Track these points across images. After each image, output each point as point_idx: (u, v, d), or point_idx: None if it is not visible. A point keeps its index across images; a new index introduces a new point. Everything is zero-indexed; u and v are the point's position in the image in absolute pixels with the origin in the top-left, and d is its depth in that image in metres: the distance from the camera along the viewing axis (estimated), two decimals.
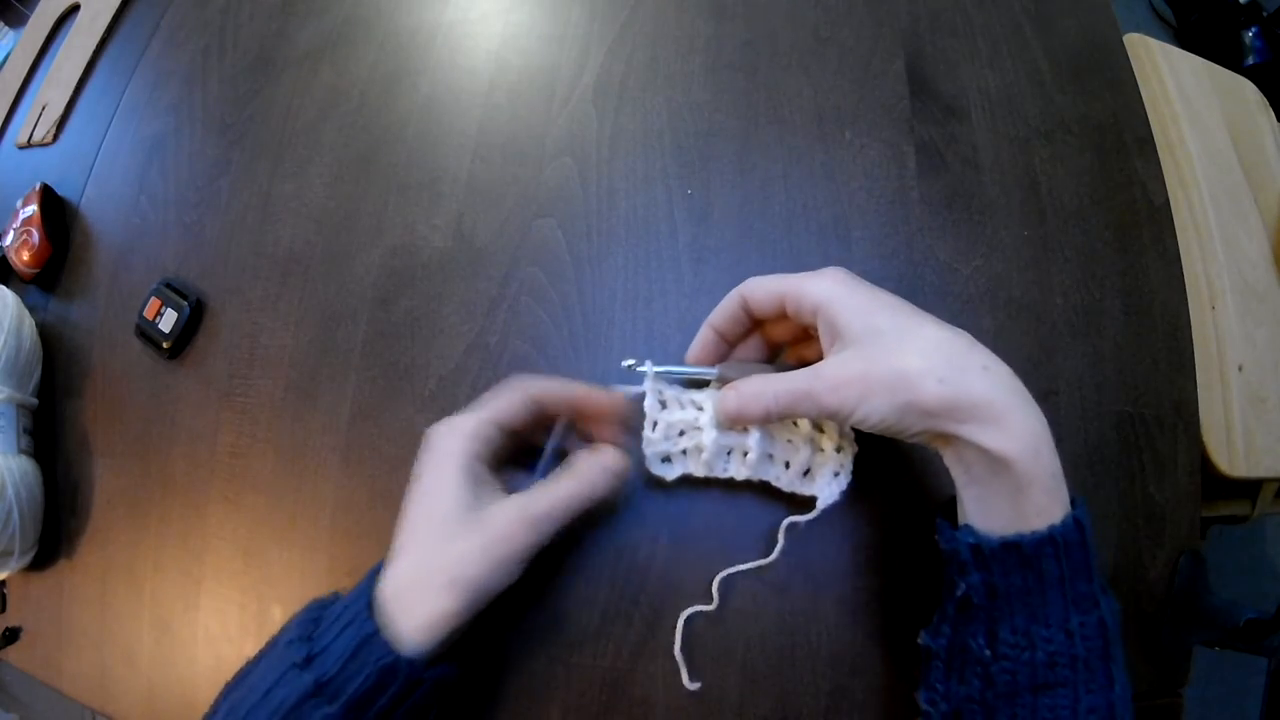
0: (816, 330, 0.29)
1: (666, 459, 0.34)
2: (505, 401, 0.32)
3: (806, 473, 0.34)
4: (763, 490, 0.35)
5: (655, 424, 0.33)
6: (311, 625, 0.29)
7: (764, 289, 0.31)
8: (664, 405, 0.34)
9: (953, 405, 0.25)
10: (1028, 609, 0.25)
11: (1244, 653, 0.39)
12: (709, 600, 0.33)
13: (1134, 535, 0.37)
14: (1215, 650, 0.40)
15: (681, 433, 0.34)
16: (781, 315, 0.31)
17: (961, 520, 0.28)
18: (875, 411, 0.26)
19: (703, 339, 0.34)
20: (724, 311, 0.33)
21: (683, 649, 0.33)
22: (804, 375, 0.28)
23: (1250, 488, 0.55)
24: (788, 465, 0.34)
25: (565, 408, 0.33)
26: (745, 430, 0.33)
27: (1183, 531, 0.37)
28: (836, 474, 0.33)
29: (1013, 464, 0.25)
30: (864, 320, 0.27)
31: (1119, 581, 0.36)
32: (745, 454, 0.33)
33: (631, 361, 0.33)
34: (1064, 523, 0.25)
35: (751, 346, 0.34)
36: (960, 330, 0.28)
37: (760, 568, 0.33)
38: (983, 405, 0.25)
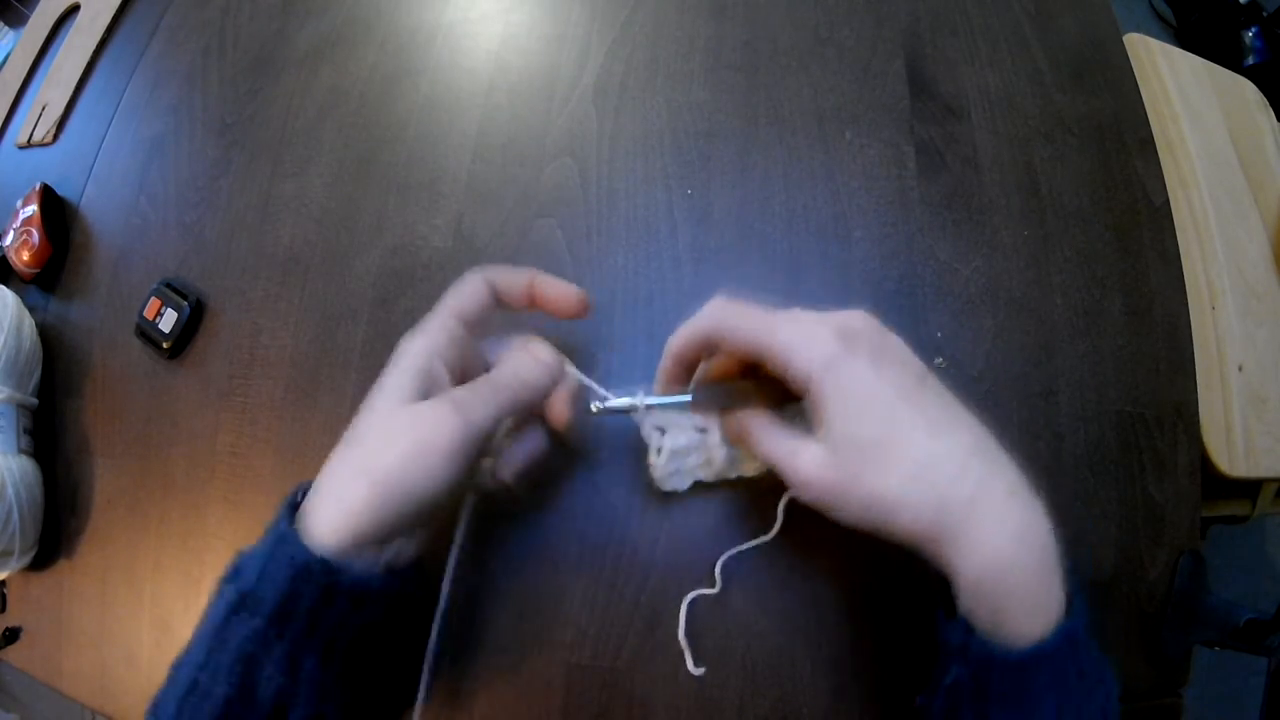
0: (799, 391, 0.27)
1: (674, 473, 0.34)
2: (464, 292, 0.31)
3: None
4: (762, 489, 0.35)
5: (660, 450, 0.33)
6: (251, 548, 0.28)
7: (740, 337, 0.28)
8: (663, 431, 0.33)
9: (927, 537, 0.24)
10: (1019, 709, 0.24)
11: (1244, 653, 0.39)
12: (704, 602, 0.33)
13: (1134, 535, 0.37)
14: (1215, 650, 0.39)
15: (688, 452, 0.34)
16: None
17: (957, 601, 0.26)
18: (848, 519, 0.25)
19: (667, 372, 0.32)
20: (689, 344, 0.30)
21: (686, 636, 0.33)
22: (784, 454, 0.27)
23: (1250, 488, 0.55)
24: None
25: (522, 295, 0.32)
26: None
27: (1183, 531, 0.37)
28: None
29: (980, 592, 0.24)
30: (851, 425, 0.25)
31: (1119, 581, 0.36)
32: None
33: (599, 406, 0.32)
34: (1054, 638, 0.23)
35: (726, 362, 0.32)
36: (960, 437, 0.25)
37: (761, 545, 0.33)
38: (960, 537, 0.24)
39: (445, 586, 0.31)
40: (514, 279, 0.32)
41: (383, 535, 0.26)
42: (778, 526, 0.32)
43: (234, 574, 0.27)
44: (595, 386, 0.32)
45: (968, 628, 0.25)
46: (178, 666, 0.27)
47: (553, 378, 0.31)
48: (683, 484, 0.34)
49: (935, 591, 0.27)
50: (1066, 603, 0.24)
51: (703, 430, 0.33)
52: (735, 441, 0.31)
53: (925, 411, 0.25)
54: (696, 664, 0.33)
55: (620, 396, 0.32)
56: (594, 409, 0.32)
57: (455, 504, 0.31)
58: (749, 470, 0.34)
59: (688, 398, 0.31)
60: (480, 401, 0.27)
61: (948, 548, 0.24)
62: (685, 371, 0.32)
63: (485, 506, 0.32)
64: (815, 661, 0.34)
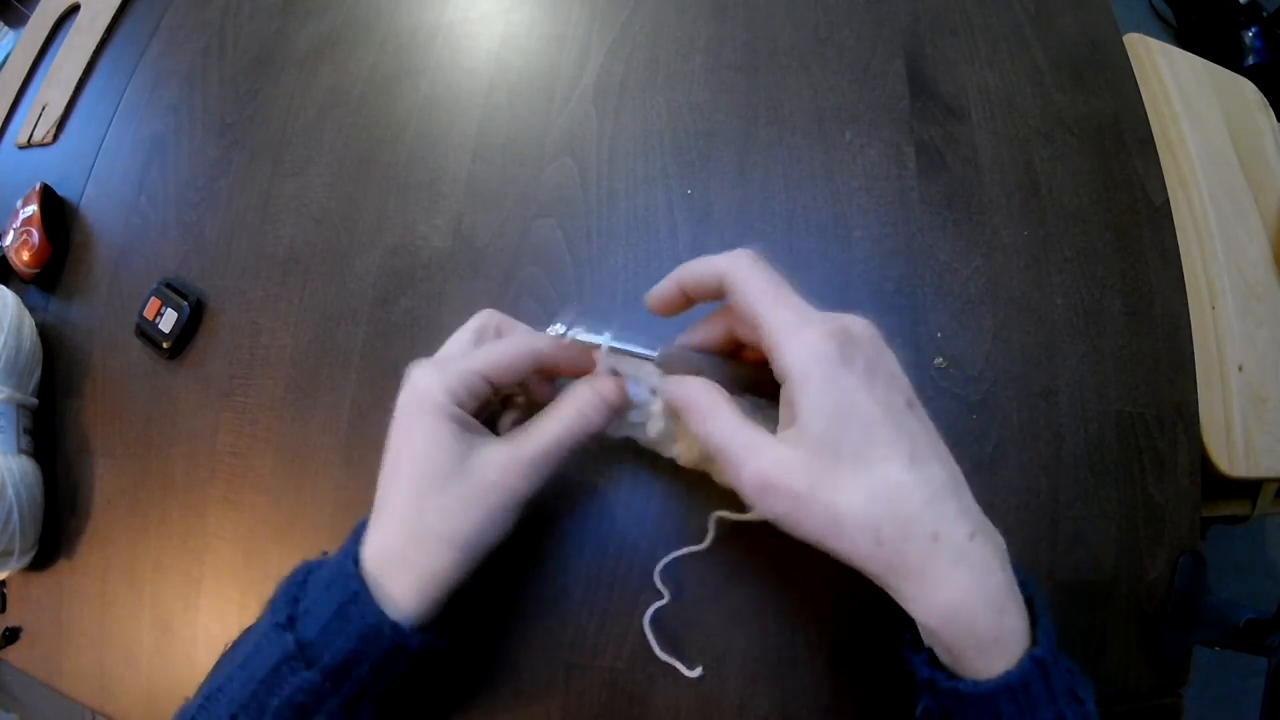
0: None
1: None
2: (503, 360, 0.29)
3: None
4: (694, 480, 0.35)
5: None
6: (298, 587, 0.27)
7: (745, 301, 0.26)
8: (616, 374, 0.32)
9: (884, 568, 0.23)
10: None
11: (1244, 653, 0.39)
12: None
13: (1134, 535, 0.37)
14: (1215, 650, 0.39)
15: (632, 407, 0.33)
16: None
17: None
18: (798, 531, 0.24)
19: (665, 293, 0.30)
20: (699, 278, 0.29)
21: (665, 650, 0.32)
22: (739, 444, 0.25)
23: (1250, 488, 0.55)
24: None
25: (570, 374, 0.31)
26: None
27: (1183, 531, 0.37)
28: None
29: (936, 634, 0.23)
30: (826, 426, 0.23)
31: (1119, 581, 0.36)
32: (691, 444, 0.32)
33: (561, 329, 0.30)
34: (1020, 670, 0.22)
35: (716, 325, 0.31)
36: (935, 470, 0.24)
37: (695, 552, 0.32)
38: (914, 574, 0.23)
39: None
40: (565, 362, 0.30)
41: (456, 589, 0.27)
42: (710, 539, 0.31)
43: (289, 620, 0.26)
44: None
45: (933, 659, 0.25)
46: (211, 697, 0.26)
47: (617, 410, 0.30)
48: (617, 431, 0.33)
49: (900, 620, 0.26)
50: (1032, 628, 0.24)
51: (653, 392, 0.32)
52: (675, 414, 0.29)
53: (906, 436, 0.24)
54: (691, 666, 0.32)
55: (590, 333, 0.31)
56: (556, 332, 0.31)
57: None
58: (679, 455, 0.32)
59: (653, 353, 0.30)
60: (547, 456, 0.28)
61: (903, 582, 0.23)
62: (676, 304, 0.30)
63: None
64: (815, 661, 0.34)
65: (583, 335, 0.31)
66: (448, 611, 0.28)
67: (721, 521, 0.31)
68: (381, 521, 0.27)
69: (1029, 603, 0.24)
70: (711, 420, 0.26)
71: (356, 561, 0.27)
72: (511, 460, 0.27)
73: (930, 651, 0.25)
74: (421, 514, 0.27)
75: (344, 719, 0.26)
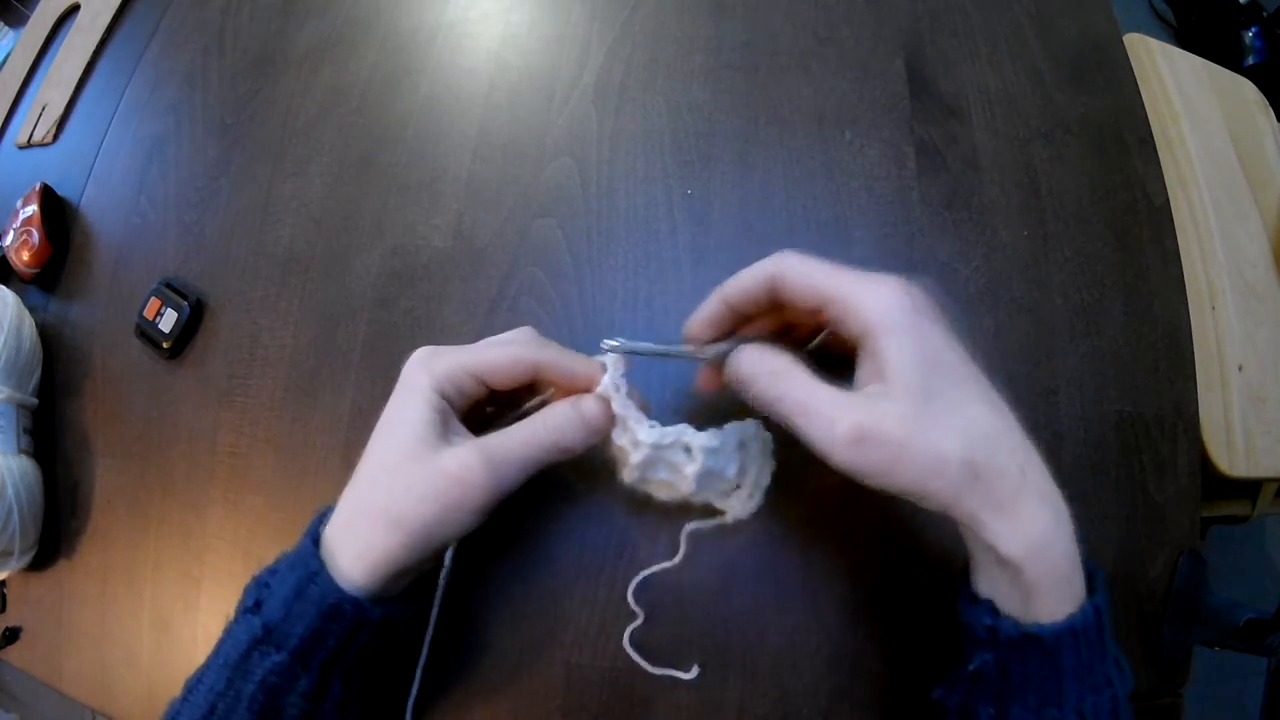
0: (853, 341, 0.26)
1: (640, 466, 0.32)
2: (502, 363, 0.29)
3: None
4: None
5: (633, 437, 0.30)
6: (269, 574, 0.28)
7: (806, 282, 0.26)
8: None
9: (979, 503, 0.23)
10: (1041, 692, 0.24)
11: (1244, 653, 0.39)
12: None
13: (1134, 535, 0.37)
14: (1215, 650, 0.39)
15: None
16: (814, 311, 0.27)
17: (975, 586, 0.26)
18: (896, 484, 0.24)
19: (711, 313, 0.29)
20: (745, 288, 0.28)
21: (656, 663, 0.32)
22: (826, 404, 0.24)
23: (1250, 488, 0.55)
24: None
25: (565, 388, 0.30)
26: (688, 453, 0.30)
27: (1183, 531, 0.37)
28: (751, 495, 0.32)
29: (1021, 568, 0.23)
30: (917, 372, 0.24)
31: (1119, 581, 0.36)
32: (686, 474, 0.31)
33: (615, 343, 0.29)
34: (1083, 614, 0.24)
35: (759, 325, 0.31)
36: (1011, 417, 0.25)
37: (667, 569, 0.32)
38: (1007, 506, 0.23)
39: (441, 581, 0.31)
40: (562, 374, 0.30)
41: (409, 575, 0.28)
42: (682, 554, 0.32)
43: (256, 605, 0.27)
44: (641, 423, 0.30)
45: (994, 611, 0.25)
46: (192, 689, 0.27)
47: (598, 439, 0.29)
48: (639, 483, 0.32)
49: (956, 579, 0.27)
50: (1089, 581, 0.25)
51: (687, 450, 0.30)
52: (739, 384, 0.27)
53: (982, 380, 0.25)
54: (686, 669, 0.33)
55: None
56: (607, 345, 0.29)
57: None
58: (677, 494, 0.32)
59: (689, 349, 0.29)
60: (513, 462, 0.27)
61: (995, 516, 0.23)
62: (723, 323, 0.30)
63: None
64: (815, 661, 0.34)
65: (633, 345, 0.29)
66: (421, 586, 0.29)
67: (694, 535, 0.31)
68: (344, 495, 0.28)
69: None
70: (787, 380, 0.25)
71: (317, 541, 0.27)
72: (474, 458, 0.27)
73: (990, 603, 0.25)
74: (374, 490, 0.27)
75: (316, 696, 0.26)
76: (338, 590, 0.26)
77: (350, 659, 0.27)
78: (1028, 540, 0.23)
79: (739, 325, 0.30)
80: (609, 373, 0.30)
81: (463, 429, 0.29)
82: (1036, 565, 0.23)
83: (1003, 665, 0.24)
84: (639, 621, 0.33)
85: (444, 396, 0.28)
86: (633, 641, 0.33)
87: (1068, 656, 0.24)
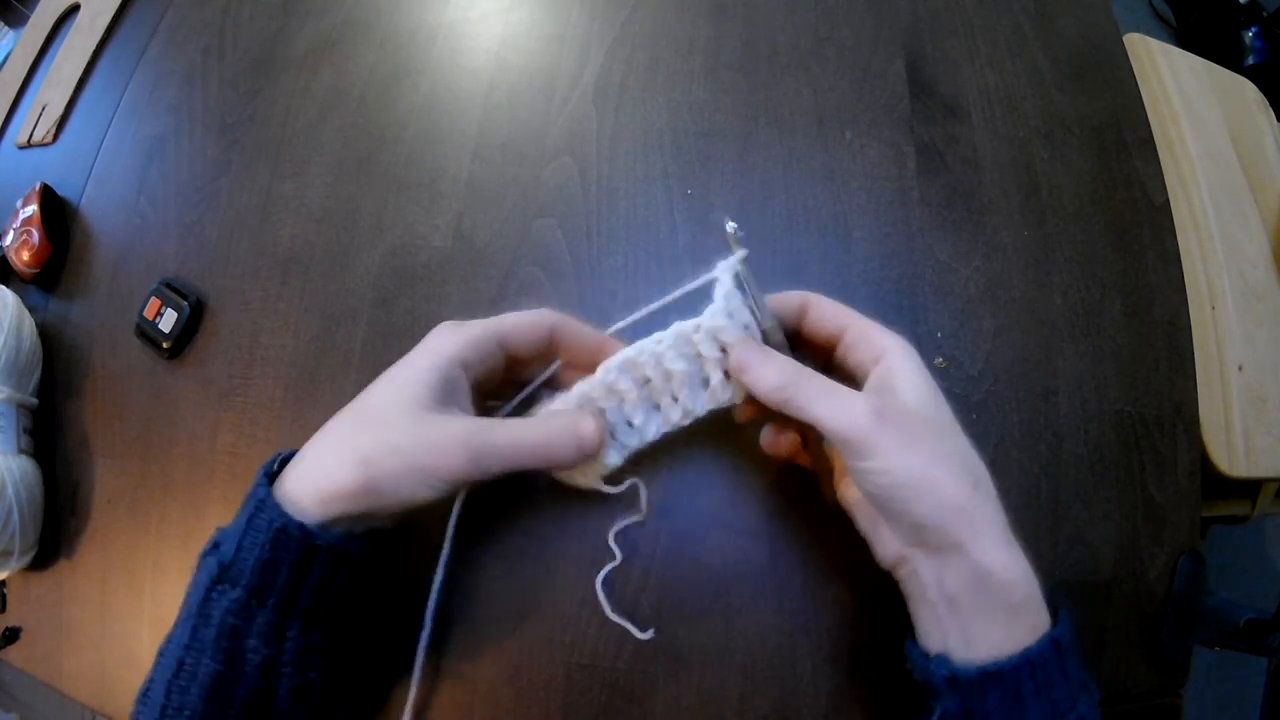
0: (859, 368, 0.29)
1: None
2: (524, 321, 0.30)
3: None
4: (759, 491, 0.35)
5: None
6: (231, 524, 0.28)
7: (834, 310, 0.30)
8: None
9: (968, 517, 0.25)
10: None
11: (1244, 653, 0.39)
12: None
13: (1134, 535, 0.37)
14: (1215, 650, 0.40)
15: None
16: (825, 343, 0.30)
17: (924, 640, 0.27)
18: (883, 485, 0.25)
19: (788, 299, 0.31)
20: (782, 303, 0.31)
21: (616, 611, 0.33)
22: (842, 400, 0.26)
23: (1250, 488, 0.55)
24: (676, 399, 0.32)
25: (584, 358, 0.31)
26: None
27: (1183, 531, 0.37)
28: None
29: (1014, 586, 0.25)
30: (924, 398, 0.27)
31: (1119, 581, 0.36)
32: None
33: (734, 226, 0.28)
34: (1040, 644, 0.24)
35: None
36: (976, 453, 0.27)
37: (639, 522, 0.34)
38: (984, 527, 0.25)
39: (440, 572, 0.32)
40: (583, 342, 0.31)
41: (363, 516, 0.27)
42: (645, 504, 0.34)
43: (212, 547, 0.28)
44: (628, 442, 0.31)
45: (948, 660, 0.25)
46: (163, 651, 0.27)
47: (585, 457, 0.30)
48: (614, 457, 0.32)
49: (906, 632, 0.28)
50: (1052, 615, 0.26)
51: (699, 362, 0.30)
52: (739, 374, 0.29)
53: (956, 422, 0.28)
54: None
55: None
56: (731, 228, 0.28)
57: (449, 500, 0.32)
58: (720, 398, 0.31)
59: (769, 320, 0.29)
60: (496, 455, 0.28)
61: (976, 533, 0.25)
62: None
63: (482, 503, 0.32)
64: (815, 661, 0.34)
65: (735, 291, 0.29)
66: (387, 538, 0.30)
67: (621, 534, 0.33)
68: (324, 427, 0.28)
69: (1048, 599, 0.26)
70: (804, 371, 0.28)
71: (268, 476, 0.28)
72: (460, 436, 0.27)
73: (943, 655, 0.26)
74: (355, 430, 0.28)
75: (275, 637, 0.27)
76: (284, 515, 0.26)
77: (306, 597, 0.27)
78: (1001, 560, 0.25)
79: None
80: (730, 261, 0.29)
81: (468, 404, 0.29)
82: (1000, 586, 0.24)
83: (967, 709, 0.25)
84: (616, 563, 0.34)
85: (464, 365, 0.29)
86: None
87: (1027, 684, 0.24)
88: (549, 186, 0.42)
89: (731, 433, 0.34)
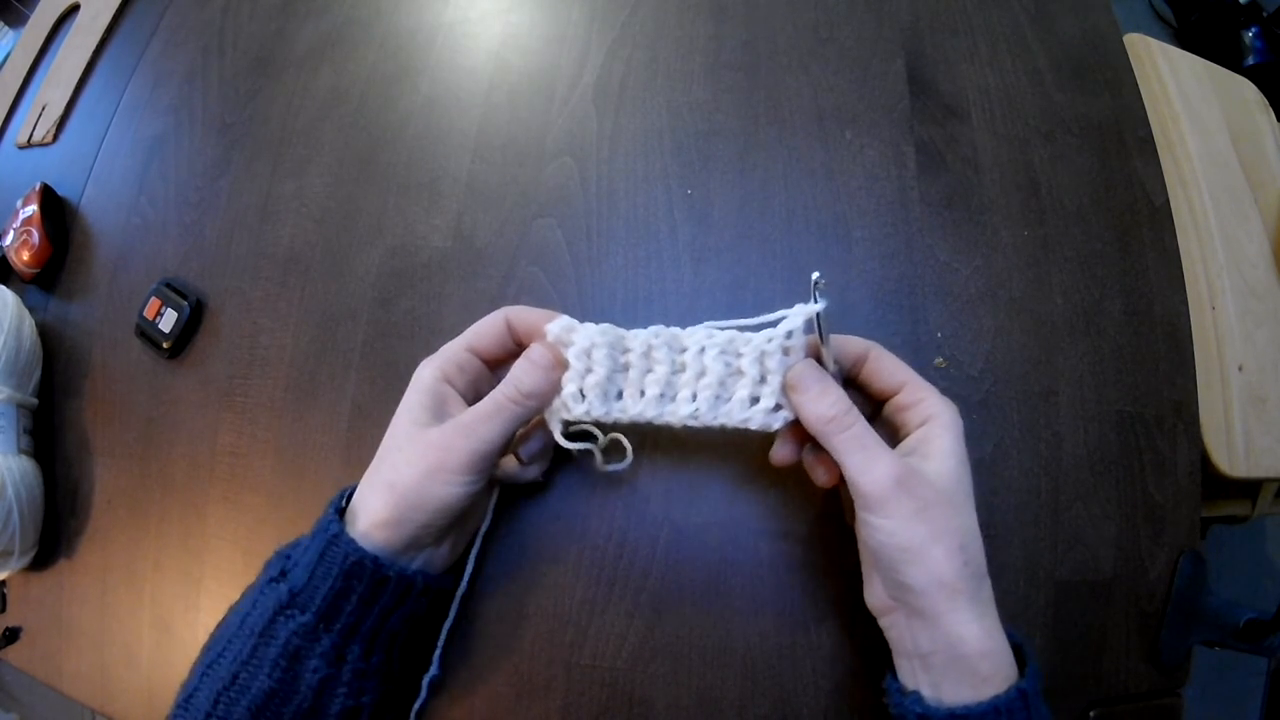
0: (905, 424, 0.30)
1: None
2: (483, 325, 0.33)
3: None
4: (758, 491, 0.35)
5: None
6: (290, 547, 0.30)
7: (894, 364, 0.31)
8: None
9: (956, 590, 0.26)
10: None
11: (1244, 653, 0.39)
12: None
13: (1134, 535, 0.37)
14: (1215, 650, 0.39)
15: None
16: (877, 394, 0.31)
17: (900, 678, 0.29)
18: (905, 535, 0.26)
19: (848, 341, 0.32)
20: (845, 346, 0.32)
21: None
22: (882, 448, 0.27)
23: (1250, 488, 0.55)
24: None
25: (536, 336, 0.32)
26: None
27: (1183, 531, 0.37)
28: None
29: (985, 657, 0.26)
30: (956, 470, 0.28)
31: (1119, 581, 0.36)
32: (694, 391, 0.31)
33: (819, 275, 0.29)
34: (1008, 693, 0.26)
35: None
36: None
37: (622, 471, 0.34)
38: (969, 599, 0.26)
39: (469, 565, 0.33)
40: (532, 320, 0.33)
41: (409, 538, 0.29)
42: (629, 453, 0.33)
43: (281, 574, 0.29)
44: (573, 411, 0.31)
45: (920, 699, 0.27)
46: (213, 662, 0.28)
47: (550, 379, 0.31)
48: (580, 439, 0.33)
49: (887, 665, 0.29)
50: (1020, 670, 0.27)
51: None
52: (792, 390, 0.29)
53: (971, 497, 0.29)
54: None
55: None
56: (816, 276, 0.28)
57: (484, 502, 0.34)
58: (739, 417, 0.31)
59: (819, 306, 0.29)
60: (484, 423, 0.30)
61: (963, 604, 0.26)
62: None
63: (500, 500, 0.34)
64: (815, 661, 0.34)
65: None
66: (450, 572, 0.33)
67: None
68: (362, 478, 0.31)
69: (1018, 649, 0.28)
70: (855, 415, 0.29)
71: (339, 512, 0.30)
72: (451, 425, 0.30)
73: (917, 692, 0.27)
74: (379, 466, 0.31)
75: (336, 658, 0.28)
76: (359, 549, 0.28)
77: (371, 623, 0.29)
78: (982, 632, 0.26)
79: None
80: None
81: (462, 409, 0.31)
82: (976, 655, 0.26)
83: None
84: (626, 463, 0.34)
85: (448, 381, 0.31)
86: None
87: None
88: (549, 186, 0.42)
89: (732, 434, 0.34)
